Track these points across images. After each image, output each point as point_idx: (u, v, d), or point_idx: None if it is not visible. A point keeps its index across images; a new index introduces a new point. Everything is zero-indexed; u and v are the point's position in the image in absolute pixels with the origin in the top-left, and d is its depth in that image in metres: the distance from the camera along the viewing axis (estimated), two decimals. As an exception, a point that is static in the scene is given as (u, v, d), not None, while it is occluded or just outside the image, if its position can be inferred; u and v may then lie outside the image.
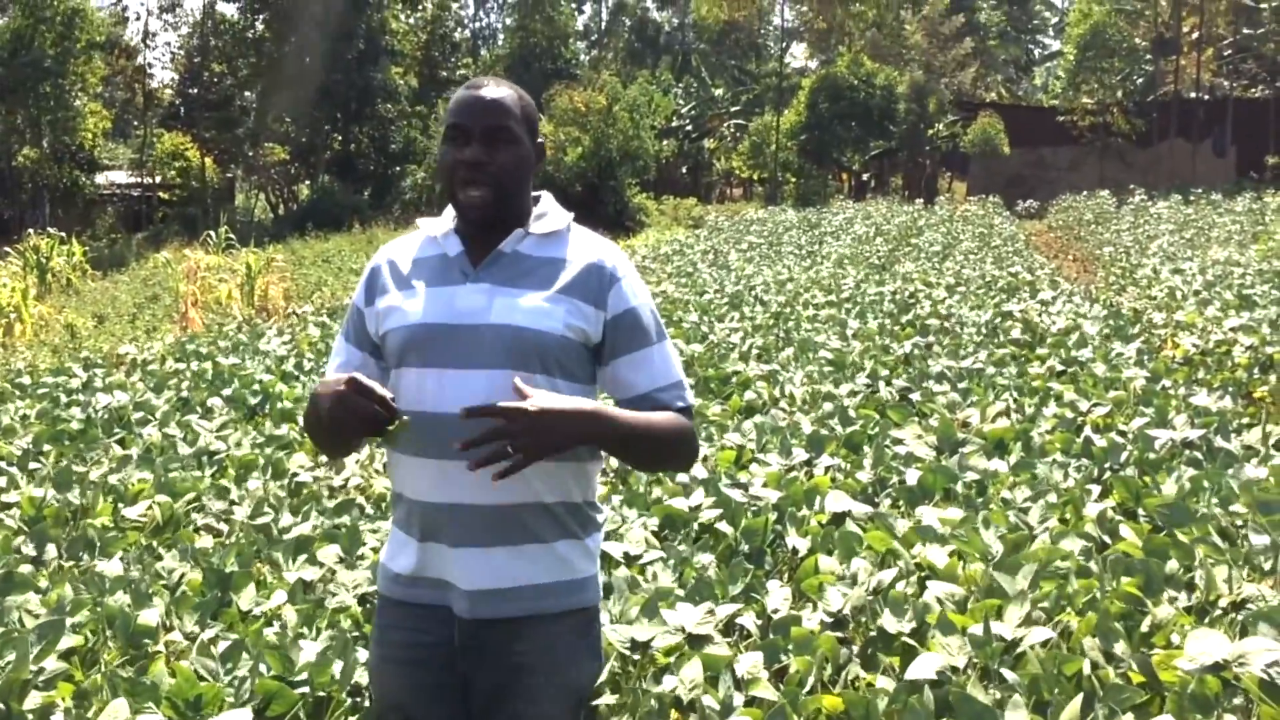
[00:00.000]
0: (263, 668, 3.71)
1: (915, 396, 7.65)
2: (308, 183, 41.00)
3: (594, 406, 2.22)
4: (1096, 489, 5.37)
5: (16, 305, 15.04)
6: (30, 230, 22.40)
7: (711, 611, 4.07)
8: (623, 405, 2.36)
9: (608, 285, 2.33)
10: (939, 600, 4.04)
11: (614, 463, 6.16)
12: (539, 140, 2.41)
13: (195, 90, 39.34)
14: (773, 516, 5.13)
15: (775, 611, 4.30)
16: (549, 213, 2.41)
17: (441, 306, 2.31)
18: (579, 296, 2.30)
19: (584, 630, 2.41)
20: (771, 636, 4.14)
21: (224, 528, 5.49)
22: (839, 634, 4.21)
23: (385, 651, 2.45)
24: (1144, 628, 3.95)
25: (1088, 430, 6.52)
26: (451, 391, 2.25)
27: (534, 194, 2.45)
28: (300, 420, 7.33)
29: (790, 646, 4.02)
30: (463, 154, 2.29)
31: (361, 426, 2.18)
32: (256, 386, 8.24)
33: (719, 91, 50.22)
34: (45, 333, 14.53)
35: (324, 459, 6.44)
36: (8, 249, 20.72)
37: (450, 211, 2.43)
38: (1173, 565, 4.21)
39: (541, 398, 2.16)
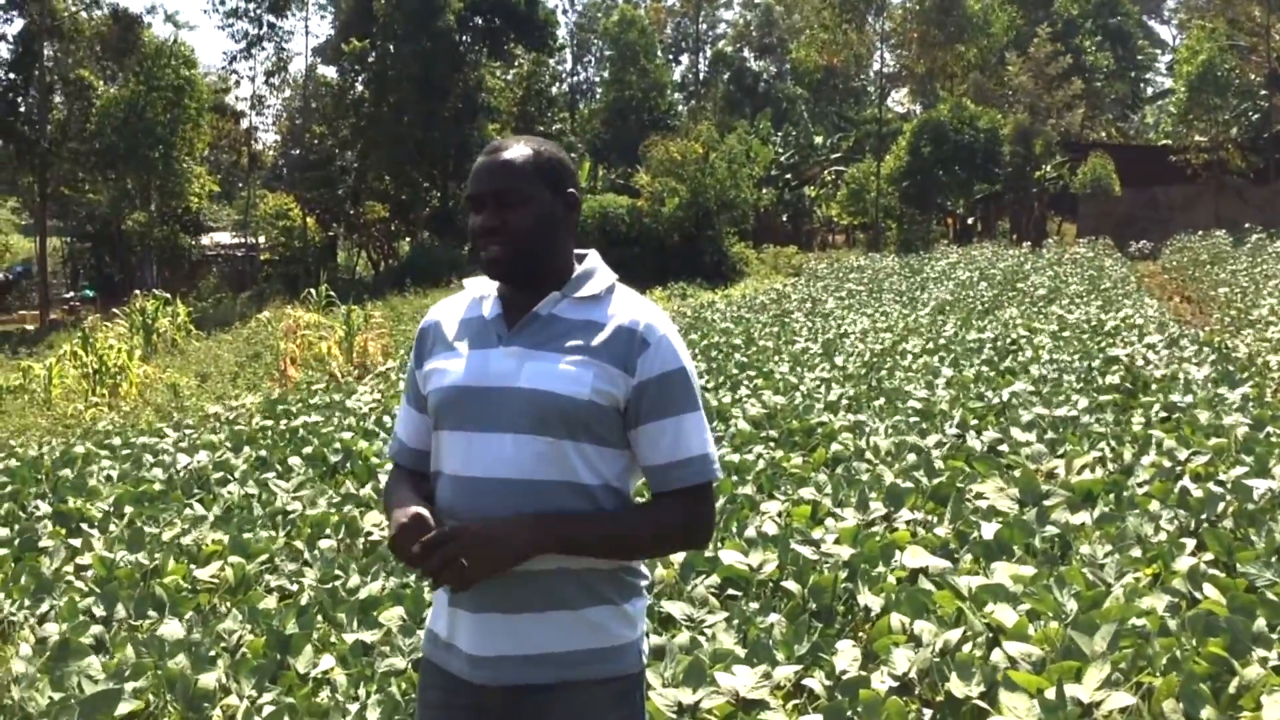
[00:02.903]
0: (308, 733, 3.68)
1: (1004, 447, 7.39)
2: (407, 239, 41.74)
3: (534, 517, 2.16)
4: (1191, 542, 5.11)
5: (123, 365, 15.46)
6: (137, 291, 23.08)
7: (768, 675, 3.92)
8: (644, 471, 2.31)
9: (638, 350, 2.25)
10: (1011, 660, 3.85)
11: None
12: (569, 190, 2.35)
13: (297, 151, 40.35)
14: (843, 574, 4.96)
15: (844, 673, 4.14)
16: (595, 273, 2.35)
17: (476, 369, 2.28)
18: (609, 360, 2.24)
19: (624, 699, 2.31)
20: (840, 698, 3.98)
21: (295, 588, 5.50)
22: (909, 696, 4.04)
23: (425, 713, 2.40)
24: (1231, 689, 3.72)
25: (1185, 480, 6.24)
26: (479, 454, 2.23)
27: (580, 251, 2.40)
28: (381, 479, 7.36)
29: (858, 709, 3.87)
30: (476, 221, 2.31)
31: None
32: (337, 445, 8.30)
33: (819, 139, 49.97)
34: (150, 392, 14.88)
35: None
36: (116, 310, 21.35)
37: None
38: (1261, 624, 3.97)
39: (479, 528, 2.13)
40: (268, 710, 3.74)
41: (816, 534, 5.41)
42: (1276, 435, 7.15)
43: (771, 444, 8.09)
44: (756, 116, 48.77)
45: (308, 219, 38.96)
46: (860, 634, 4.67)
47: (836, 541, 5.24)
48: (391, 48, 37.16)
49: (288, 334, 16.33)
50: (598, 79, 60.57)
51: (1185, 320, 16.75)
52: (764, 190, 41.84)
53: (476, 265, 2.36)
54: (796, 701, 4.15)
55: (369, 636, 4.64)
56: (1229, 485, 5.90)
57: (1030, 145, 38.92)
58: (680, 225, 33.21)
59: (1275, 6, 40.06)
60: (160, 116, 32.86)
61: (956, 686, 3.80)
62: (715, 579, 4.95)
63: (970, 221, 44.21)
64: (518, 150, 2.31)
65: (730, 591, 5.02)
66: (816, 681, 4.12)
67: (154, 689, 4.22)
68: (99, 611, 4.97)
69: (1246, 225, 31.09)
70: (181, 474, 7.65)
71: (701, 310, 21.58)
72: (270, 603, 5.04)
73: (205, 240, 39.44)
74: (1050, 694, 3.56)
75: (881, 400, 9.59)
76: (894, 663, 4.06)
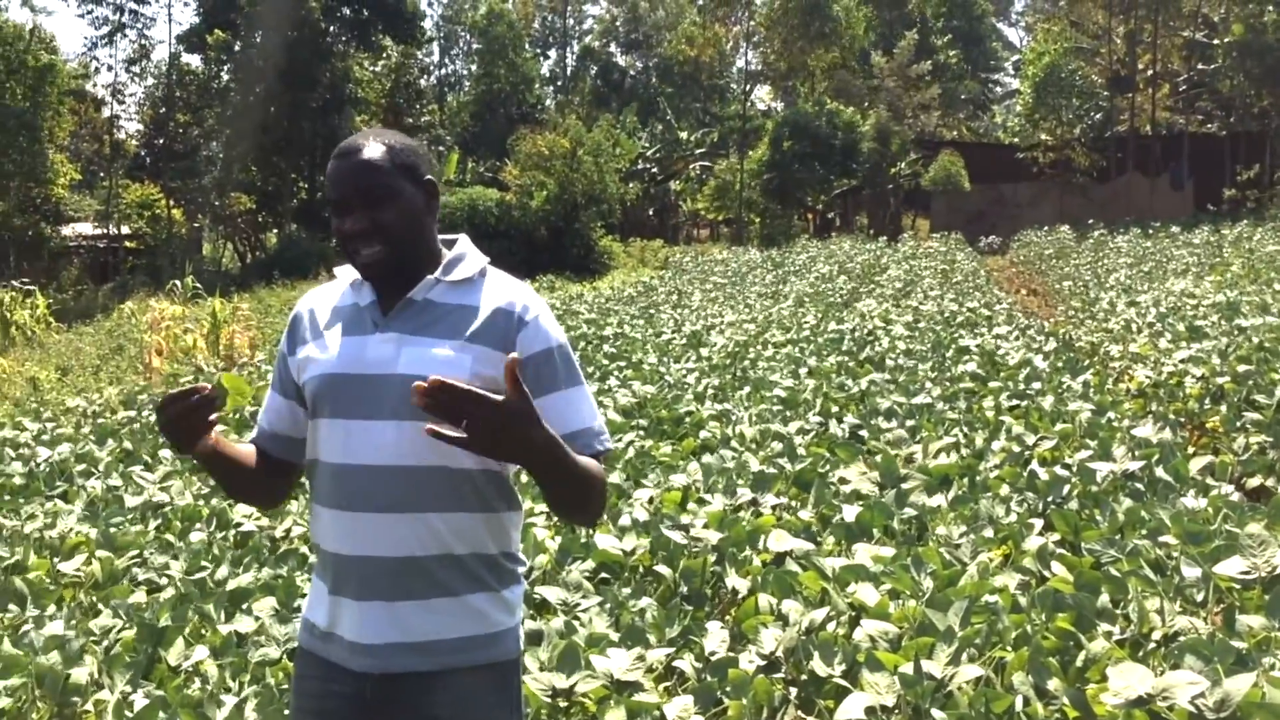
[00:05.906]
0: (183, 725, 3.67)
1: (864, 433, 7.66)
2: (275, 231, 40.94)
3: (558, 440, 2.12)
4: (1039, 523, 5.39)
5: (-23, 359, 14.93)
6: (-5, 283, 22.22)
7: (641, 657, 4.03)
8: None
9: (516, 328, 2.28)
10: (870, 639, 4.03)
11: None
12: (428, 179, 2.36)
13: (161, 141, 39.26)
14: (712, 557, 5.11)
15: (713, 654, 4.27)
16: (465, 257, 2.37)
17: (352, 356, 2.28)
18: (487, 343, 2.26)
19: (502, 684, 2.34)
20: (709, 679, 4.11)
21: (164, 582, 5.43)
22: (775, 675, 4.20)
23: (300, 702, 2.40)
24: (1079, 662, 3.94)
25: (1033, 464, 6.55)
26: (359, 443, 2.24)
27: (450, 237, 2.41)
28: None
29: (727, 689, 4.01)
30: (345, 225, 2.28)
31: (192, 426, 2.21)
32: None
33: (684, 134, 50.45)
34: (8, 386, 14.33)
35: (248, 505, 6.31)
36: (-29, 304, 20.49)
37: None
38: (1105, 599, 4.22)
39: (522, 403, 2.04)
40: (140, 704, 3.71)
41: (685, 519, 5.55)
42: (1117, 420, 7.54)
43: (641, 432, 8.23)
44: (623, 111, 49.03)
45: (173, 210, 37.86)
46: (729, 616, 4.81)
47: (705, 526, 5.38)
48: (257, 37, 36.38)
49: (152, 326, 15.90)
50: (466, 72, 60.24)
51: (1032, 312, 17.42)
52: (630, 184, 42.08)
53: (356, 264, 2.33)
54: (668, 684, 4.27)
55: (242, 627, 4.62)
56: (1074, 468, 6.23)
57: (888, 143, 39.90)
58: (548, 218, 33.25)
59: (1117, 10, 41.79)
60: (21, 102, 31.66)
61: (819, 666, 3.95)
62: (590, 564, 5.06)
63: (829, 216, 45.11)
64: (372, 148, 2.29)
65: (603, 576, 5.13)
66: (687, 663, 4.24)
67: (24, 687, 4.15)
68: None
69: (1090, 221, 32.42)
70: (43, 467, 7.45)
71: (570, 302, 21.66)
72: (140, 596, 4.98)
73: (66, 230, 37.99)
74: (907, 669, 3.74)
75: (746, 389, 9.81)
76: (761, 642, 4.20)
